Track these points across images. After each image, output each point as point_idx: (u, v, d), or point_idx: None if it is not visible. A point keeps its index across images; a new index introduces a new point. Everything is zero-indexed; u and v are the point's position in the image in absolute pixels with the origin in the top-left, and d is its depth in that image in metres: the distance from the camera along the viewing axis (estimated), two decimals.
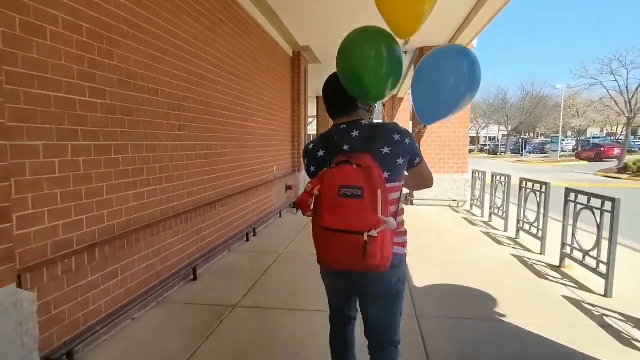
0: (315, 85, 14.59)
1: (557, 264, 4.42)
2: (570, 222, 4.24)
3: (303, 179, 9.17)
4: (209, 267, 4.40)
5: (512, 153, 42.69)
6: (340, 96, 1.64)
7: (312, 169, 1.64)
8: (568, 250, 4.29)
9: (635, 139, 39.20)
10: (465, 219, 7.20)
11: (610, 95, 20.95)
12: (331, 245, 1.42)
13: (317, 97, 17.27)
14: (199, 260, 4.14)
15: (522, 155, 39.39)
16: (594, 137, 41.99)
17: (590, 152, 29.51)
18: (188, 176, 3.96)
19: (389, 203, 1.44)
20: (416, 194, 8.52)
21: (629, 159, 19.81)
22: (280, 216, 7.32)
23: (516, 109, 44.28)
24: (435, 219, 7.18)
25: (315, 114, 17.99)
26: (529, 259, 4.73)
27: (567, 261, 4.34)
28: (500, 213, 6.48)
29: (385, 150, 1.52)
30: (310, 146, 1.67)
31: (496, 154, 43.64)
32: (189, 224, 3.97)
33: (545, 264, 4.52)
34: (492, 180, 7.00)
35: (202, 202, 4.26)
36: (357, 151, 1.51)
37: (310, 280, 3.87)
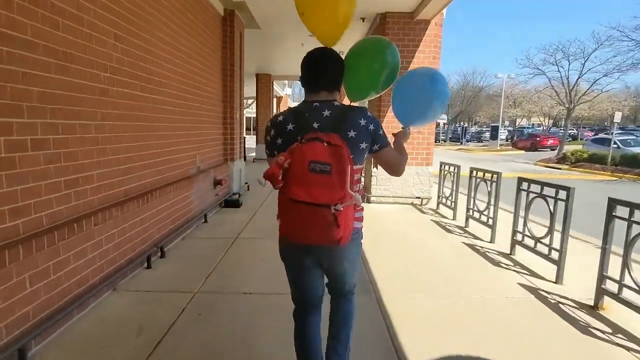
0: (253, 58, 12.81)
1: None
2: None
3: (238, 171, 7.48)
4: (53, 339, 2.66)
5: (451, 141, 43.57)
6: (331, 73, 1.70)
7: (279, 141, 1.65)
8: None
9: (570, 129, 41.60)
10: (436, 222, 5.99)
11: (552, 86, 21.23)
12: (297, 217, 1.47)
13: (257, 75, 15.36)
14: (36, 330, 2.41)
15: (462, 143, 40.27)
16: (527, 128, 44.19)
17: (527, 141, 30.50)
18: (33, 177, 2.19)
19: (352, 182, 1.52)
20: (373, 189, 7.20)
21: (567, 149, 20.28)
22: (206, 221, 5.61)
23: (457, 97, 45.11)
24: (398, 222, 5.89)
25: (255, 94, 16.03)
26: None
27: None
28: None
29: (351, 133, 1.59)
30: (280, 118, 1.67)
31: (437, 142, 44.32)
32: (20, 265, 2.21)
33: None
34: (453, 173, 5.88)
35: (57, 220, 2.51)
36: (325, 130, 1.55)
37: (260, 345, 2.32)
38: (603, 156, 17.47)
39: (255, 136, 16.20)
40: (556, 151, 20.98)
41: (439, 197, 6.83)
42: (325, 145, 1.44)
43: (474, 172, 5.64)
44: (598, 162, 17.50)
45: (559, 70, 20.26)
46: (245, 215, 6.12)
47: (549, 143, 29.09)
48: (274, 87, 18.33)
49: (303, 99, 1.76)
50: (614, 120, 17.40)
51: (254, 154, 16.37)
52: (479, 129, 48.93)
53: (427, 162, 7.17)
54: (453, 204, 6.24)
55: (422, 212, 6.68)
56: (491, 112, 42.49)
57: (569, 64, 20.04)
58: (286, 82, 24.56)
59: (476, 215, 5.47)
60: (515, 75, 31.57)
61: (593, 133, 33.42)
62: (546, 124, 37.73)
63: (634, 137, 19.54)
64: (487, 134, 38.72)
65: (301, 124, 1.61)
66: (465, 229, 5.59)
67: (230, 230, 5.14)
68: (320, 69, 1.69)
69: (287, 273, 1.84)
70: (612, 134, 18.39)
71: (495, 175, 5.12)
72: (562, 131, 39.84)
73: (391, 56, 1.92)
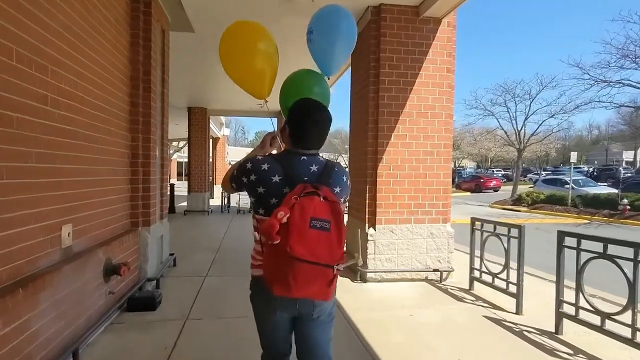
0: (185, 86, 10.01)
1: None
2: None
3: (157, 241, 4.70)
4: None
5: None
6: (326, 133, 1.68)
7: (261, 190, 1.57)
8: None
9: (498, 170, 43.27)
10: (499, 322, 3.69)
11: (501, 126, 21.07)
12: (298, 275, 1.39)
13: (190, 109, 12.68)
14: None
15: None
16: (469, 169, 45.38)
17: (471, 183, 30.44)
18: None
19: None
20: (372, 261, 4.80)
21: (519, 190, 19.75)
22: None
23: None
24: (433, 328, 3.50)
25: (187, 133, 13.12)
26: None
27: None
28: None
29: (337, 189, 1.60)
30: (265, 166, 1.58)
31: None
32: None
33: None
34: None
35: None
36: (313, 183, 1.52)
37: None
38: (561, 197, 16.91)
39: (187, 182, 13.14)
40: (500, 192, 20.44)
41: (472, 270, 4.59)
42: (322, 200, 1.43)
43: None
44: (557, 203, 16.89)
45: (508, 110, 19.99)
46: (165, 331, 3.35)
47: (492, 184, 29.36)
48: (210, 125, 15.66)
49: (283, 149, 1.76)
50: (571, 160, 17.08)
51: (185, 204, 13.29)
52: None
53: (444, 217, 4.97)
54: (508, 284, 4.05)
55: (454, 296, 4.36)
56: None
57: (516, 105, 19.87)
58: (223, 121, 21.95)
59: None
60: (465, 116, 32.03)
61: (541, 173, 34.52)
62: (483, 167, 38.69)
63: (583, 177, 19.58)
64: None
65: (290, 177, 1.55)
66: (557, 336, 3.40)
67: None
68: (321, 128, 1.66)
69: (257, 318, 1.72)
70: (569, 174, 18.10)
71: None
72: (508, 173, 41.35)
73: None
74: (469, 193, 28.67)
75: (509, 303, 3.96)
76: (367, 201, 4.86)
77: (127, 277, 3.85)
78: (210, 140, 20.82)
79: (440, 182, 4.95)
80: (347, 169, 1.74)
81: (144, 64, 4.35)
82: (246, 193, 1.65)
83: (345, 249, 1.57)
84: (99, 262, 3.23)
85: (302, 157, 1.61)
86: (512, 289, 3.95)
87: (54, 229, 2.62)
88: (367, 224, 4.87)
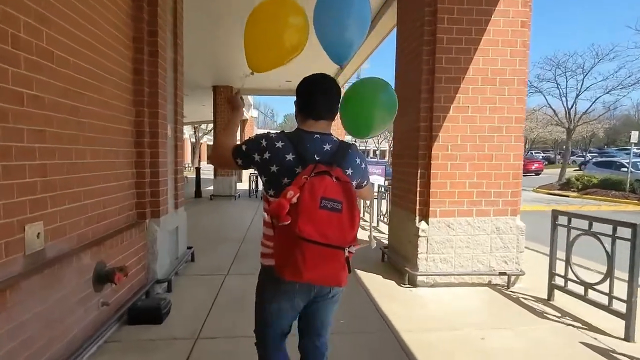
0: (209, 62, 9.45)
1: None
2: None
3: (169, 234, 4.04)
4: None
5: None
6: (336, 103, 1.63)
7: (274, 168, 1.49)
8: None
9: (537, 152, 40.82)
10: (601, 350, 2.79)
11: (549, 104, 19.29)
12: (308, 257, 1.32)
13: (215, 88, 11.98)
14: None
15: None
16: None
17: None
18: None
19: None
20: (422, 261, 3.95)
21: (568, 173, 18.14)
22: None
23: None
24: None
25: (213, 115, 12.42)
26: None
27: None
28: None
29: (349, 171, 1.54)
30: (279, 144, 1.50)
31: None
32: None
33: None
34: None
35: None
36: (326, 163, 1.45)
37: None
38: (618, 181, 15.28)
39: (213, 166, 12.57)
40: (542, 175, 18.82)
41: (553, 276, 3.66)
42: (334, 180, 1.38)
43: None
44: (612, 188, 15.29)
45: (557, 87, 18.18)
46: (168, 354, 2.66)
47: (533, 167, 27.60)
48: None
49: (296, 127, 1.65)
50: (631, 140, 15.33)
51: (210, 188, 12.78)
52: None
53: (513, 208, 4.03)
54: (611, 299, 3.08)
55: (531, 309, 3.47)
56: None
57: (567, 81, 18.05)
58: (251, 102, 21.30)
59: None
60: None
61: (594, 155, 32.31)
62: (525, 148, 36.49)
63: None
64: None
65: (302, 155, 1.49)
66: None
67: None
68: (330, 97, 1.60)
69: (262, 308, 1.64)
70: (628, 156, 16.37)
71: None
72: (549, 155, 38.80)
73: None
74: None
75: (611, 323, 3.04)
76: (418, 189, 3.99)
77: (130, 280, 3.20)
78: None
79: (509, 166, 4.00)
80: (359, 152, 1.65)
81: (149, 22, 3.60)
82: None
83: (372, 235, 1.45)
84: (87, 268, 2.55)
85: (315, 136, 1.55)
86: (618, 306, 3.02)
87: (11, 230, 1.93)
88: (417, 217, 4.01)
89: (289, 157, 1.47)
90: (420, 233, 3.93)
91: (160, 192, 3.75)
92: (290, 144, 1.49)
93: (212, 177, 12.50)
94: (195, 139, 34.02)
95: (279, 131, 1.58)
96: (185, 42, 4.60)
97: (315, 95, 1.57)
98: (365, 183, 1.70)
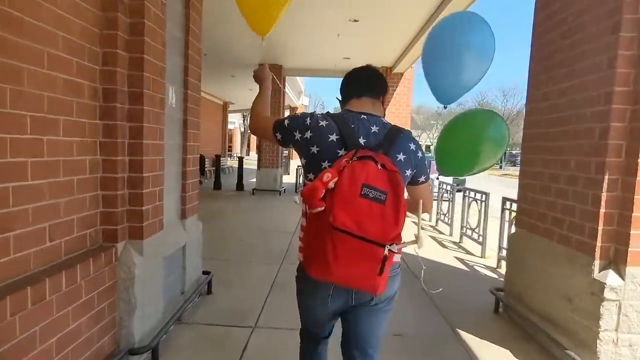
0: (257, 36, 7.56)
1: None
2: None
3: (164, 265, 2.49)
4: None
5: None
6: (378, 80, 1.48)
7: (315, 149, 1.32)
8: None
9: None
10: None
11: None
12: (340, 251, 1.11)
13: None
14: None
15: (501, 167, 34.79)
16: None
17: None
18: None
19: None
20: (610, 352, 2.13)
21: None
22: None
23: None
24: None
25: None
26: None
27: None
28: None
29: (400, 157, 1.34)
30: (323, 123, 1.34)
31: None
32: None
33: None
34: None
35: None
36: (372, 149, 1.28)
37: None
38: None
39: (257, 156, 11.15)
40: None
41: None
42: (379, 167, 1.18)
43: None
44: None
45: None
46: None
47: None
48: (286, 90, 13.47)
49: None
50: None
51: (253, 180, 11.39)
52: (518, 151, 43.41)
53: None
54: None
55: None
56: None
57: None
58: (302, 88, 19.79)
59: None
60: None
61: None
62: None
63: None
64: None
65: (347, 136, 1.30)
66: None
67: None
68: (373, 79, 1.47)
69: (300, 304, 1.48)
70: None
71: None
72: None
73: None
74: None
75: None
76: (602, 210, 2.16)
77: (76, 357, 1.69)
78: (288, 110, 18.78)
79: None
80: (414, 138, 1.42)
81: None
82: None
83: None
84: None
85: (362, 116, 1.37)
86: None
87: None
88: (596, 261, 2.18)
89: (332, 137, 1.30)
90: (605, 293, 2.10)
91: (147, 196, 2.22)
92: (334, 124, 1.33)
93: (256, 169, 11.09)
94: (244, 128, 33.10)
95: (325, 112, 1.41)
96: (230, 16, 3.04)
97: (351, 74, 1.47)
98: (423, 178, 1.41)
